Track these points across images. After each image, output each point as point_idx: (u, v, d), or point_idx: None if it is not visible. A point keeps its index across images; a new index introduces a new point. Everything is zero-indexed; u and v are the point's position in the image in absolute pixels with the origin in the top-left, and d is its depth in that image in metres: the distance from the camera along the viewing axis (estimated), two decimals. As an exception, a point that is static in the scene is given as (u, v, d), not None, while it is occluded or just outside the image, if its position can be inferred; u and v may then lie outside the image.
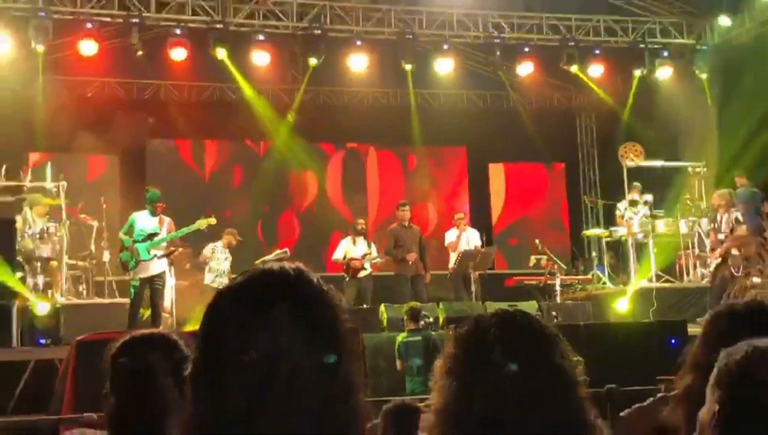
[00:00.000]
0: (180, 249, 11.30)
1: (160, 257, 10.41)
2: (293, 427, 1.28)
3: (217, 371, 1.30)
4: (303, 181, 17.27)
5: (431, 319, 9.94)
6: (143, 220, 10.53)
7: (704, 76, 14.83)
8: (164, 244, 10.49)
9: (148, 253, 10.33)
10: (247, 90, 15.75)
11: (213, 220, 11.22)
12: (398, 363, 8.96)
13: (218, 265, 12.64)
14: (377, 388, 8.57)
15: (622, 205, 14.19)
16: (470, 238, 13.01)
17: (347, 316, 1.40)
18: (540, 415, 1.55)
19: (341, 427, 1.32)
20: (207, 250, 12.75)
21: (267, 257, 12.33)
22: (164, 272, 10.50)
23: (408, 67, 14.48)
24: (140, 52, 13.42)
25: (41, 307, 9.45)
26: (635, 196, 13.93)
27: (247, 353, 1.29)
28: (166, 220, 10.67)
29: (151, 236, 10.40)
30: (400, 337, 9.13)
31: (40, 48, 12.93)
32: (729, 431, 1.47)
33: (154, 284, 10.39)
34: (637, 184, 14.10)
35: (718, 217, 12.05)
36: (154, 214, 10.55)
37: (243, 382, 1.27)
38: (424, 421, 1.67)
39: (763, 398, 1.44)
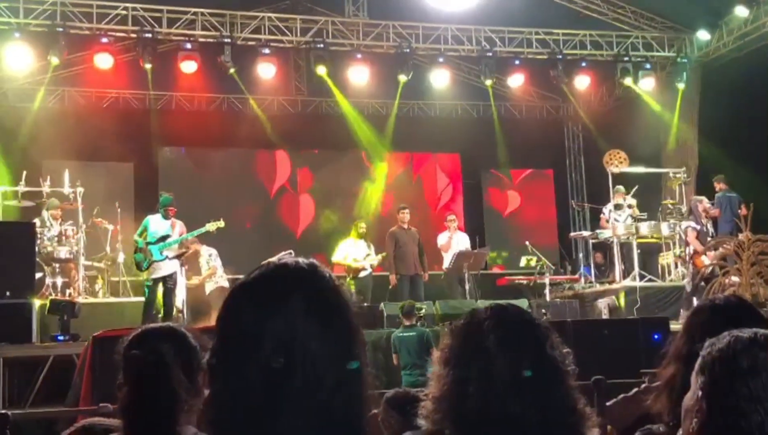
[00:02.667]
0: (191, 249, 11.28)
1: (171, 258, 10.40)
2: (307, 411, 1.27)
3: (235, 358, 1.29)
4: (308, 185, 17.25)
5: (422, 312, 9.87)
6: (156, 223, 10.52)
7: (681, 86, 14.84)
8: (176, 245, 10.48)
9: (161, 254, 10.33)
10: (254, 104, 15.92)
11: (222, 223, 11.19)
12: (394, 357, 8.91)
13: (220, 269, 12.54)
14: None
15: (606, 209, 14.14)
16: (461, 241, 12.98)
17: (357, 308, 1.40)
18: (532, 402, 1.55)
19: (351, 412, 1.31)
20: (213, 258, 12.40)
21: (271, 259, 12.24)
22: (176, 272, 10.48)
23: (402, 78, 14.47)
24: (148, 66, 13.40)
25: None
26: (620, 199, 13.88)
27: (264, 341, 1.28)
28: (178, 223, 10.66)
29: (163, 238, 10.39)
30: (396, 332, 9.11)
31: (57, 61, 12.95)
32: (711, 416, 1.47)
33: (166, 284, 10.39)
34: (620, 187, 14.03)
35: (704, 221, 11.99)
36: (166, 217, 10.54)
37: (260, 369, 1.27)
38: (422, 408, 1.66)
39: (743, 384, 1.44)
